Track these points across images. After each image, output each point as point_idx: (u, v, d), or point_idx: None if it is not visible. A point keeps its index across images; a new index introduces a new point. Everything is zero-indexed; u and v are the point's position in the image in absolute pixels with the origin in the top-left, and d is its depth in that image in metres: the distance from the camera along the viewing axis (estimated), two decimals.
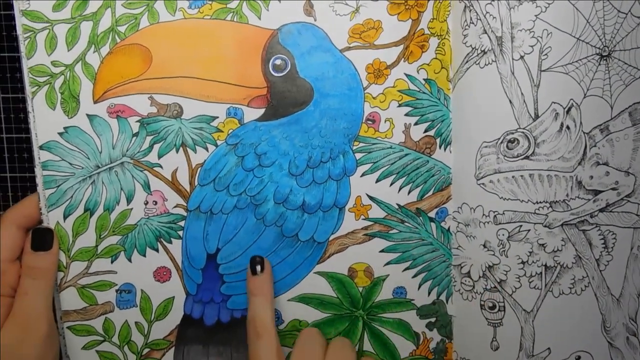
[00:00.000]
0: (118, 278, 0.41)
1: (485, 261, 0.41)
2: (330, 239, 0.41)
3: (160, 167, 0.40)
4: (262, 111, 0.40)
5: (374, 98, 0.40)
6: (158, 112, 0.40)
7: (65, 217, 0.40)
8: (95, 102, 0.39)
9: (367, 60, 0.40)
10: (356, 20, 0.39)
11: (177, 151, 0.40)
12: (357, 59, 0.40)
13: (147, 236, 0.41)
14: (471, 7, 0.38)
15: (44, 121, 0.39)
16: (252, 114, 0.40)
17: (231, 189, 0.40)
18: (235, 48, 0.39)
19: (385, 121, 0.40)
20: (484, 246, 0.40)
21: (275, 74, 0.39)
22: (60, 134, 0.39)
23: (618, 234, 0.37)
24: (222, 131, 0.40)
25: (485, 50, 0.38)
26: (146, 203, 0.40)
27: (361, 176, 0.41)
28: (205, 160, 0.40)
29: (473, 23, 0.38)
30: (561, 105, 0.37)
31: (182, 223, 0.41)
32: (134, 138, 0.40)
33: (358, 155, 0.41)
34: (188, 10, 0.39)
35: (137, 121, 0.39)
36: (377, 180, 0.41)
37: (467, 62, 0.39)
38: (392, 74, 0.40)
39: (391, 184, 0.41)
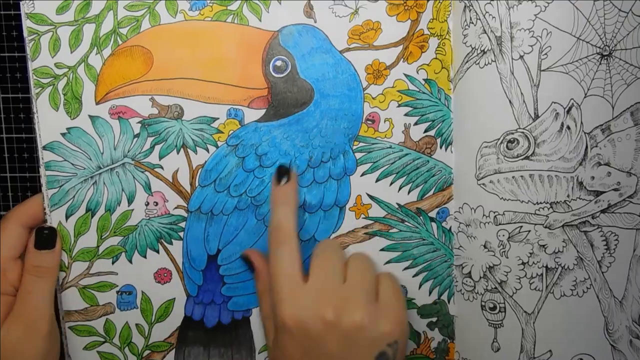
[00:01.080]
0: (119, 279, 0.42)
1: (486, 262, 0.41)
2: (331, 237, 0.41)
3: (161, 168, 0.41)
4: (262, 112, 0.40)
5: (373, 98, 0.40)
6: (159, 114, 0.40)
7: (67, 217, 0.40)
8: (97, 103, 0.40)
9: (367, 61, 0.40)
10: (355, 21, 0.40)
11: (178, 152, 0.40)
12: (357, 59, 0.40)
13: (147, 237, 0.41)
14: (471, 7, 0.39)
15: (48, 122, 0.40)
16: (252, 114, 0.40)
17: (232, 190, 0.41)
18: (235, 49, 0.40)
19: (385, 121, 0.41)
20: (485, 247, 0.41)
21: (276, 75, 0.40)
22: (63, 134, 0.40)
23: (620, 235, 0.37)
24: (222, 132, 0.40)
25: (485, 50, 0.39)
26: (147, 204, 0.41)
27: (361, 176, 0.41)
28: (205, 161, 0.41)
29: (473, 23, 0.39)
30: (561, 105, 0.38)
31: (182, 224, 0.41)
32: (135, 139, 0.40)
33: (358, 155, 0.41)
34: (189, 12, 0.39)
35: (138, 122, 0.40)
36: (377, 180, 0.41)
37: (467, 62, 0.39)
38: (392, 75, 0.40)
39: (391, 184, 0.41)
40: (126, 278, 0.42)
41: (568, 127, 0.38)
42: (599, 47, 0.37)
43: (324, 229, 0.42)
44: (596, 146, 0.37)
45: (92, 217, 0.41)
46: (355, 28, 0.40)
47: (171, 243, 0.41)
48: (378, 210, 0.42)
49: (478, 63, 0.39)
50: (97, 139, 0.40)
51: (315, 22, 0.40)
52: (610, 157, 0.37)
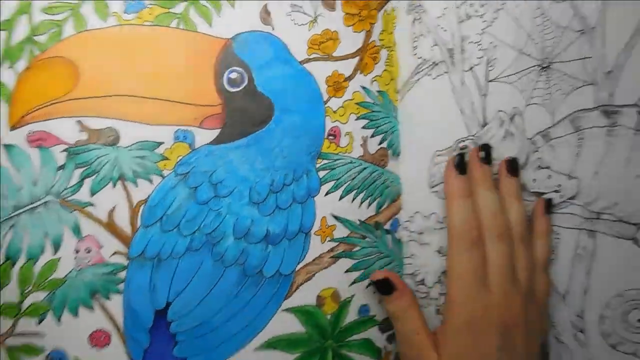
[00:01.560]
0: (47, 342, 0.35)
1: (441, 266, 0.41)
2: (297, 269, 0.38)
3: (93, 206, 0.35)
4: (216, 133, 0.36)
5: (334, 112, 0.39)
6: (89, 139, 0.34)
7: None
8: (12, 128, 0.33)
9: (327, 72, 0.39)
10: (314, 30, 0.38)
11: (114, 186, 0.35)
12: (317, 71, 0.39)
13: (79, 292, 0.35)
14: (421, 20, 0.39)
15: None
16: (204, 136, 0.36)
17: (183, 228, 0.35)
18: (182, 60, 0.35)
19: (345, 135, 0.39)
20: (439, 252, 0.41)
21: (231, 89, 0.36)
22: None
23: (562, 234, 0.39)
24: (169, 159, 0.35)
25: (437, 61, 0.40)
26: (77, 251, 0.34)
27: (325, 195, 0.39)
28: (149, 196, 0.36)
29: (423, 35, 0.39)
30: (506, 113, 0.39)
31: (123, 274, 0.36)
32: (60, 172, 0.34)
33: (321, 174, 0.39)
34: (123, 15, 0.34)
35: (63, 151, 0.34)
36: (341, 198, 0.39)
37: (417, 73, 0.40)
38: (350, 86, 0.39)
39: (353, 200, 0.40)
40: (55, 341, 0.35)
41: (512, 134, 0.40)
42: (540, 60, 0.39)
43: (289, 261, 0.39)
44: (537, 151, 0.40)
45: (12, 266, 0.34)
46: (314, 37, 0.38)
47: (108, 298, 0.35)
48: (342, 230, 0.40)
49: (430, 74, 0.40)
50: (13, 172, 0.33)
51: (273, 29, 0.36)
52: (551, 161, 0.40)
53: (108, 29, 0.34)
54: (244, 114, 0.36)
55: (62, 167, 0.34)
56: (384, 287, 0.38)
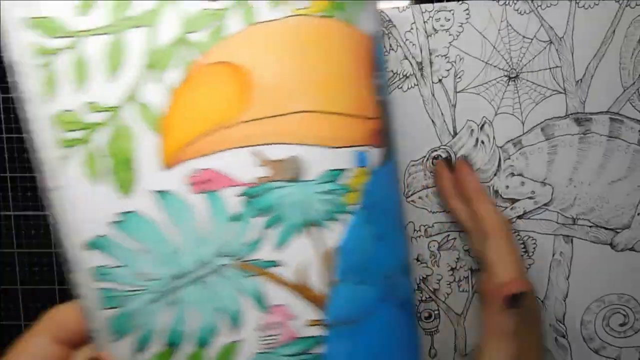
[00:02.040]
0: None
1: (420, 274, 0.43)
2: None
3: (281, 265, 0.25)
4: (379, 152, 0.30)
5: None
6: (273, 176, 0.24)
7: (139, 352, 0.24)
8: (167, 167, 0.23)
9: None
10: None
11: (304, 234, 0.26)
12: None
13: None
14: (390, 35, 0.40)
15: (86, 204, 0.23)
16: (374, 157, 0.29)
17: (373, 274, 0.28)
18: (348, 61, 0.28)
19: None
20: (417, 260, 0.42)
21: (380, 97, 0.30)
22: (115, 223, 0.24)
23: (538, 239, 0.42)
24: (354, 190, 0.28)
25: (407, 74, 0.41)
26: (262, 328, 0.24)
27: None
28: (342, 240, 0.27)
29: (393, 49, 0.40)
30: (475, 123, 0.43)
31: (317, 350, 0.26)
32: (235, 224, 0.24)
33: None
34: (296, 2, 0.25)
35: (239, 195, 0.23)
36: None
37: (389, 86, 0.41)
38: None
39: None
40: None
41: (482, 142, 0.44)
42: (506, 71, 0.44)
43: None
44: (509, 158, 0.44)
45: (173, 353, 0.24)
46: None
47: None
48: None
49: (401, 87, 0.41)
50: (169, 229, 0.24)
51: None
52: (523, 169, 0.42)
53: (280, 22, 0.24)
54: (388, 127, 0.31)
55: (237, 218, 0.24)
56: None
